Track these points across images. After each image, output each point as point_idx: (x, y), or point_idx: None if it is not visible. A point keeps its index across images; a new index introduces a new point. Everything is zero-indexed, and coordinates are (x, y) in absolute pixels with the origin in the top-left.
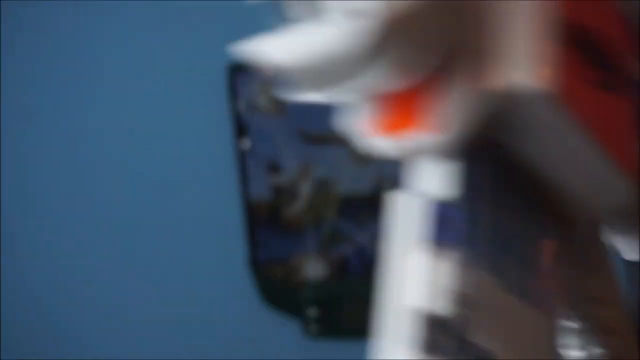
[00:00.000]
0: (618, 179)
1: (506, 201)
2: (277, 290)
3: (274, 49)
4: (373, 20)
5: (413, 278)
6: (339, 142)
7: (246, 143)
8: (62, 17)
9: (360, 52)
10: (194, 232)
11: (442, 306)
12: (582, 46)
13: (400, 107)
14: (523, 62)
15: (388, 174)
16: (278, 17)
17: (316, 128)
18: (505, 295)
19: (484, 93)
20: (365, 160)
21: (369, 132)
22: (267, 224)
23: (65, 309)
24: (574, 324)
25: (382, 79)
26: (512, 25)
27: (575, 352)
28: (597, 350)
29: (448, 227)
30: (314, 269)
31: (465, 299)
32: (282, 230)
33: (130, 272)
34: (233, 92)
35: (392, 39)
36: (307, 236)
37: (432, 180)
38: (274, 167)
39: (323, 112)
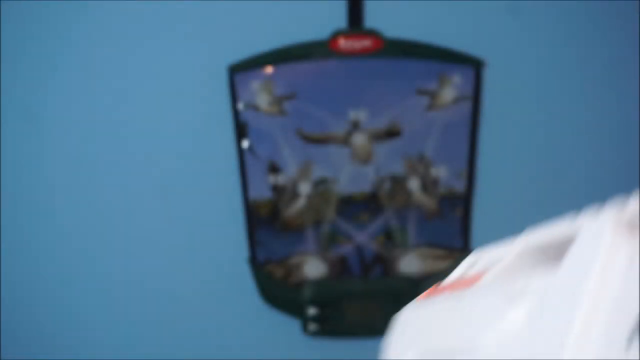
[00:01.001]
0: None
1: None
2: (277, 290)
3: None
4: None
5: None
6: (339, 142)
7: (246, 143)
8: (62, 18)
9: None
10: (195, 232)
11: None
12: None
13: None
14: None
15: (388, 174)
16: None
17: (316, 128)
18: None
19: None
20: (365, 159)
21: None
22: (267, 224)
23: (64, 309)
24: None
25: None
26: None
27: None
28: None
29: None
30: (313, 269)
31: None
32: (282, 230)
33: (130, 271)
34: (233, 92)
35: None
36: (307, 236)
37: None
38: (274, 167)
39: (322, 112)
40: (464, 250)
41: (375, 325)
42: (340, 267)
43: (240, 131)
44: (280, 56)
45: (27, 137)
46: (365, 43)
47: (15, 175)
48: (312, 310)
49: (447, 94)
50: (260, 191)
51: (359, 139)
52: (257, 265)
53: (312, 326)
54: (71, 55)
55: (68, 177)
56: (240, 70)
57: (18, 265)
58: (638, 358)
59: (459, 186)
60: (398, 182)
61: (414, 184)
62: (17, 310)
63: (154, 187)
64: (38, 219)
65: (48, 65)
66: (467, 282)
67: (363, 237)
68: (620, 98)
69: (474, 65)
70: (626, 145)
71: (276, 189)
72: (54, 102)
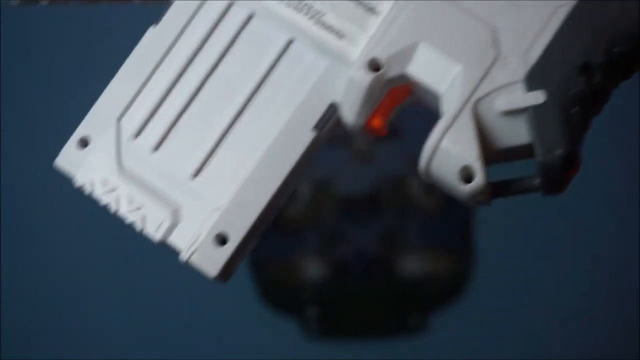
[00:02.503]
0: None
1: None
2: (277, 290)
3: None
4: None
5: None
6: (339, 142)
7: None
8: (62, 17)
9: None
10: None
11: None
12: None
13: None
14: None
15: (388, 175)
16: None
17: None
18: None
19: None
20: (365, 159)
21: None
22: None
23: (63, 308)
24: None
25: None
26: None
27: None
28: None
29: None
30: (314, 269)
31: None
32: (282, 230)
33: (129, 272)
34: None
35: None
36: (307, 236)
37: None
38: None
39: None
40: (465, 250)
41: (375, 327)
42: (340, 268)
43: None
44: None
45: (26, 136)
46: None
47: (14, 173)
48: (312, 311)
49: None
50: None
51: (360, 139)
52: (257, 266)
53: (312, 327)
54: (70, 53)
55: (65, 176)
56: None
57: (18, 265)
58: None
59: None
60: (399, 183)
61: (414, 185)
62: (17, 310)
63: None
64: (38, 217)
65: (46, 64)
66: None
67: (363, 238)
68: (620, 96)
69: None
70: (628, 144)
71: None
72: (52, 100)
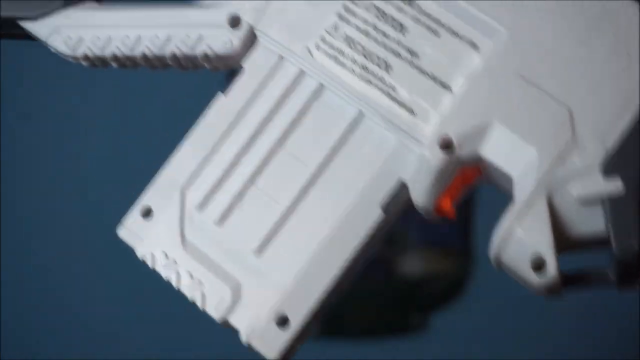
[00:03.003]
0: None
1: None
2: None
3: None
4: None
5: None
6: None
7: None
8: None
9: None
10: None
11: None
12: None
13: None
14: None
15: None
16: None
17: None
18: None
19: None
20: None
21: None
22: None
23: (62, 308)
24: None
25: None
26: None
27: None
28: None
29: None
30: None
31: None
32: None
33: (129, 271)
34: None
35: None
36: None
37: None
38: None
39: None
40: (465, 250)
41: (375, 327)
42: None
43: None
44: None
45: (26, 136)
46: None
47: (14, 174)
48: None
49: None
50: None
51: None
52: None
53: None
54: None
55: (64, 177)
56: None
57: (18, 265)
58: None
59: None
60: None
61: None
62: (17, 310)
63: None
64: (39, 217)
65: (46, 64)
66: None
67: None
68: None
69: None
70: None
71: None
72: (50, 101)
